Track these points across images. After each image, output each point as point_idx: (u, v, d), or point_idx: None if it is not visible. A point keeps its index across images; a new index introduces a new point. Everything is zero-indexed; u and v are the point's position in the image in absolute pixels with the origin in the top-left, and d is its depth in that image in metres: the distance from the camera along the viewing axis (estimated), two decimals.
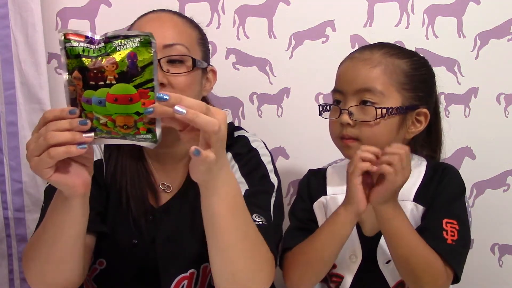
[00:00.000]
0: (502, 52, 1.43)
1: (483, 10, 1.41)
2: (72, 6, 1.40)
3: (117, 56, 0.71)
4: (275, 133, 1.47)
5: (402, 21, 1.42)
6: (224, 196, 0.84)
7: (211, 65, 1.13)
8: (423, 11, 1.42)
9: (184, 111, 0.71)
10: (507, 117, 1.47)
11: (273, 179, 1.10)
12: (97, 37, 0.73)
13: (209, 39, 1.15)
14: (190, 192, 1.08)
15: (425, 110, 1.07)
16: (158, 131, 0.75)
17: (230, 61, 1.43)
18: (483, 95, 1.46)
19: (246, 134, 1.17)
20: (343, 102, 1.06)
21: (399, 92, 1.05)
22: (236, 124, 1.45)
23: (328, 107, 1.11)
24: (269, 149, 1.19)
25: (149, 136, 0.74)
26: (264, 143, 1.18)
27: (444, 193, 1.07)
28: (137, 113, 0.72)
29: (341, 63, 1.11)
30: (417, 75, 1.07)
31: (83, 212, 0.86)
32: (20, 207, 1.40)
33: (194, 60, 1.03)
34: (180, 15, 1.10)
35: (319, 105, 1.13)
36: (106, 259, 1.10)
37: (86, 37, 0.73)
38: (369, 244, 1.09)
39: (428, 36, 1.42)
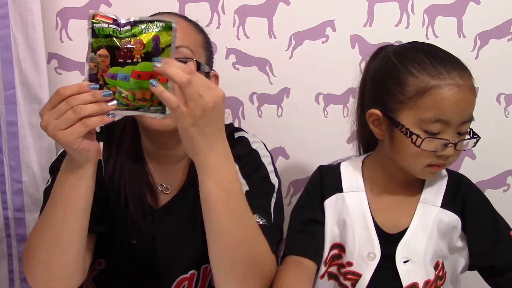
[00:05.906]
0: (502, 52, 1.43)
1: (483, 10, 1.41)
2: (72, 6, 1.40)
3: (144, 38, 0.81)
4: (275, 133, 1.46)
5: (402, 21, 1.42)
6: (219, 179, 0.86)
7: (213, 70, 1.12)
8: (423, 11, 1.41)
9: (160, 64, 0.78)
10: (507, 117, 1.47)
11: (274, 180, 1.10)
12: (122, 20, 0.82)
13: None
14: (189, 193, 1.08)
15: None
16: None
17: (230, 61, 1.43)
18: (483, 95, 1.45)
19: (246, 135, 1.17)
20: (442, 132, 0.96)
21: None
22: (236, 124, 1.45)
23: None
24: (269, 149, 1.19)
25: (159, 107, 0.83)
26: (264, 144, 1.18)
27: (486, 210, 1.07)
28: None
29: (438, 88, 0.95)
30: None
31: (92, 182, 0.89)
32: (20, 207, 1.40)
33: (198, 64, 1.03)
34: (186, 18, 1.10)
35: (424, 138, 0.95)
36: (105, 259, 1.10)
37: (114, 19, 0.82)
38: (389, 242, 1.04)
39: (428, 36, 1.42)
